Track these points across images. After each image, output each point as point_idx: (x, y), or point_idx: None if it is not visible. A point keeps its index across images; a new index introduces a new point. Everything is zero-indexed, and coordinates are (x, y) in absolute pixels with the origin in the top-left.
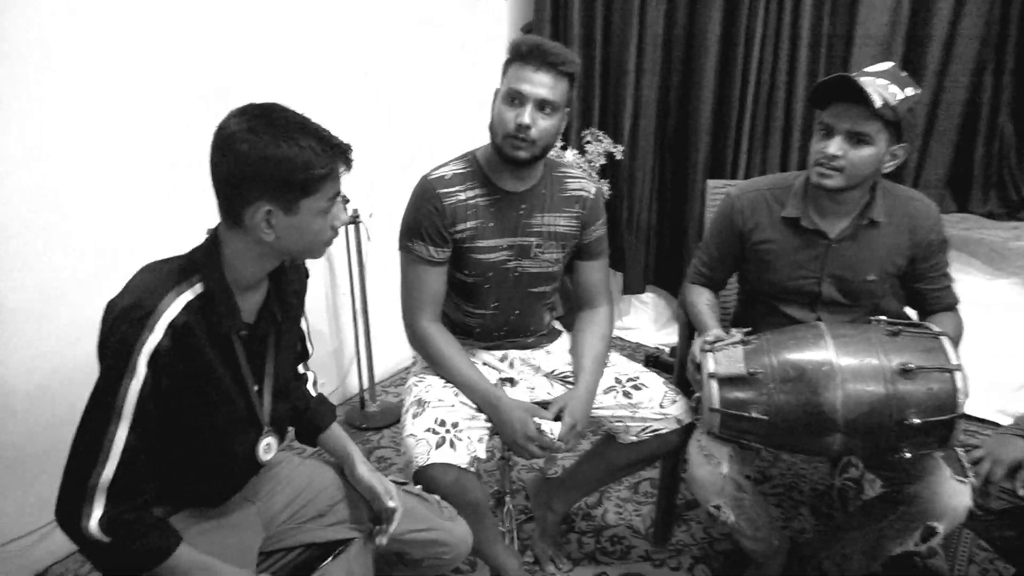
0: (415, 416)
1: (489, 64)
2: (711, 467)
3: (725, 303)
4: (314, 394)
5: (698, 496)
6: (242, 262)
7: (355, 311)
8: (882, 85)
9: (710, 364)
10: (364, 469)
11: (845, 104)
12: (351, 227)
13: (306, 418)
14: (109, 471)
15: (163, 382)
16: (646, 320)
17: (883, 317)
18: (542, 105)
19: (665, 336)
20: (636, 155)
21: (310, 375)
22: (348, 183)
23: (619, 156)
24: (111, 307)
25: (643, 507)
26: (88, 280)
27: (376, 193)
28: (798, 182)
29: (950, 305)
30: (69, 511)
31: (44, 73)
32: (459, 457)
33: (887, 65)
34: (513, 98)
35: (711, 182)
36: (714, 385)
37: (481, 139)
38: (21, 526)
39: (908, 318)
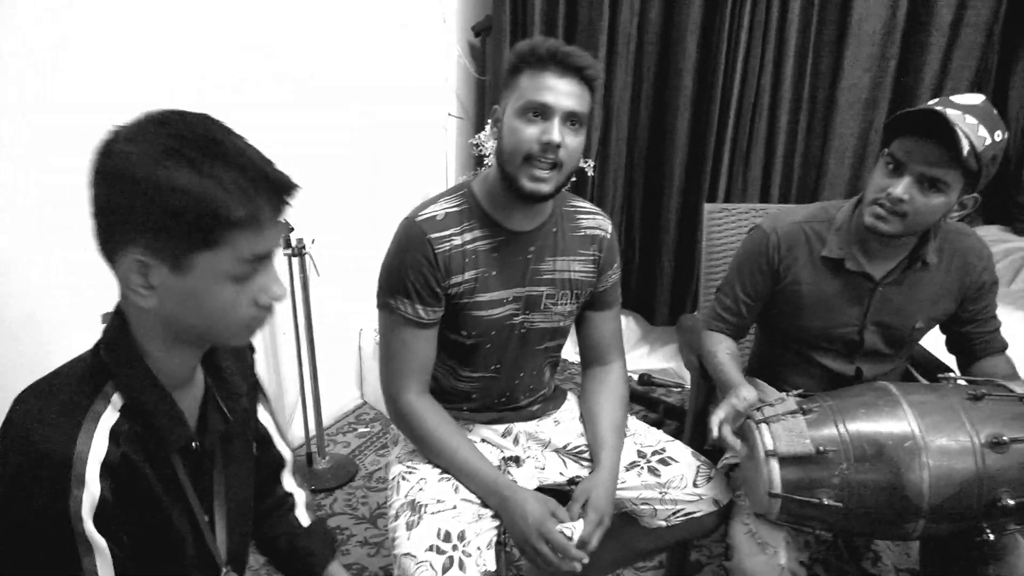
0: (409, 526)
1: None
2: (766, 557)
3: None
4: (307, 521)
5: None
6: (159, 351)
7: (299, 353)
8: (971, 126)
9: (767, 440)
10: None
11: (923, 140)
12: (295, 259)
13: (296, 556)
14: None
15: (120, 543)
16: None
17: (952, 374)
18: (570, 119)
19: (636, 361)
20: (607, 170)
21: (299, 496)
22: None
23: (590, 172)
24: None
25: (644, 573)
26: None
27: (318, 215)
28: (840, 216)
29: (999, 349)
30: None
31: None
32: None
33: (978, 99)
34: (534, 112)
35: (709, 206)
36: (775, 466)
37: (433, 157)
38: None
39: (944, 365)
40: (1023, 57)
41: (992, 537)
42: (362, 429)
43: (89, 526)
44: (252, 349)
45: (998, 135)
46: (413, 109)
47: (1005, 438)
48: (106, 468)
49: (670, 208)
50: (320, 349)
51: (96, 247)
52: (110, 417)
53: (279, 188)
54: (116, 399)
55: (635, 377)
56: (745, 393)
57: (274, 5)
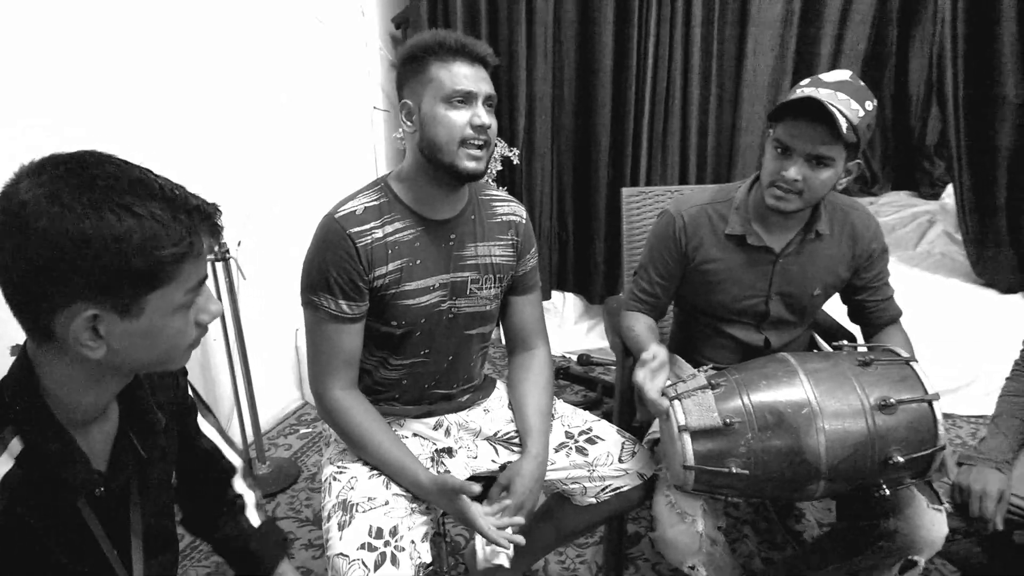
0: (341, 527)
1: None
2: (685, 526)
3: (661, 325)
4: (257, 522)
5: (670, 557)
6: (71, 392)
7: (231, 358)
8: (843, 101)
9: (680, 415)
10: None
11: (805, 122)
12: (219, 264)
13: (247, 557)
14: None
15: None
16: (553, 327)
17: (845, 342)
18: (487, 102)
19: (577, 340)
20: (533, 157)
21: (249, 496)
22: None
23: (516, 160)
24: None
25: (585, 550)
26: None
27: (245, 217)
28: (738, 195)
29: (894, 318)
30: None
31: None
32: (403, 573)
33: (845, 75)
34: (459, 99)
35: (626, 191)
36: (687, 440)
37: (358, 154)
38: None
39: (847, 331)
40: (919, 34)
41: (888, 493)
42: (304, 430)
43: None
44: (184, 372)
45: (868, 105)
46: (337, 104)
47: (892, 400)
48: None
49: (599, 191)
50: (255, 352)
51: (20, 312)
52: (4, 465)
53: (208, 214)
54: (15, 444)
55: (574, 358)
56: (654, 350)
57: (187, 4)
